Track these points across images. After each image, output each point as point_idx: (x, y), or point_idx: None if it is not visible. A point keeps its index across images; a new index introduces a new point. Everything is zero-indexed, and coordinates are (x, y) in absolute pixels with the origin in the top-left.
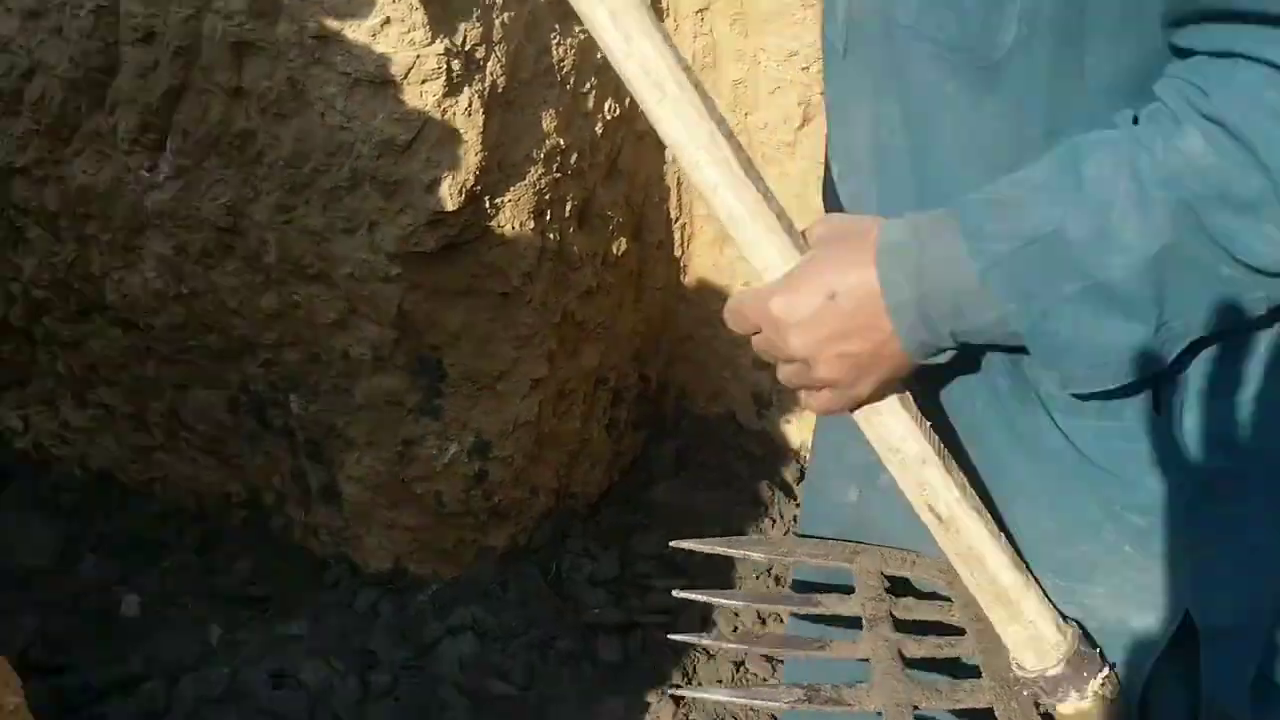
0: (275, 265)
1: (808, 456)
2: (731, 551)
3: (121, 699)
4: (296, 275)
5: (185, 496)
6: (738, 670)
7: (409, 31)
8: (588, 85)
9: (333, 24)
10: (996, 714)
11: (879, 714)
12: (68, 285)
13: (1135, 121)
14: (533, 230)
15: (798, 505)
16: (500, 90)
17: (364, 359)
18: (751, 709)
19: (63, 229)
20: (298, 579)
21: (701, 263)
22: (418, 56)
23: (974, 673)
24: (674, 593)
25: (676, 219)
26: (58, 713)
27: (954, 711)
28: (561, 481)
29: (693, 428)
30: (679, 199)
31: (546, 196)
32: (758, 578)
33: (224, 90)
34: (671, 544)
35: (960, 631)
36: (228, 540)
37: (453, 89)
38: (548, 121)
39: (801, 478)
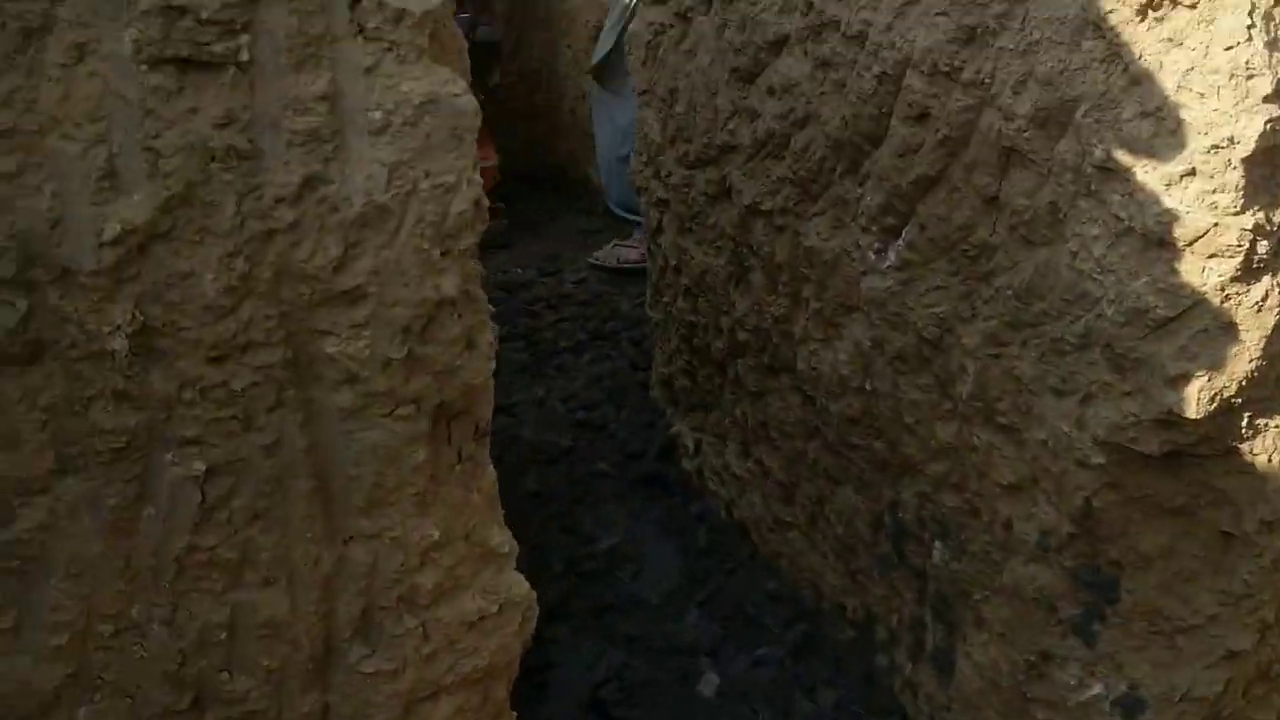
0: (966, 398)
1: None
2: None
3: None
4: (985, 418)
5: (805, 587)
6: None
7: (1215, 192)
8: None
9: (1124, 158)
10: None
11: None
12: (768, 338)
13: None
14: None
15: None
16: None
17: (1027, 540)
18: None
19: (781, 283)
20: None
21: None
22: (1215, 224)
23: None
24: None
25: None
26: None
27: None
28: None
29: None
30: None
31: None
32: None
33: (978, 195)
34: None
35: None
36: (824, 653)
37: (1248, 274)
38: None
39: None
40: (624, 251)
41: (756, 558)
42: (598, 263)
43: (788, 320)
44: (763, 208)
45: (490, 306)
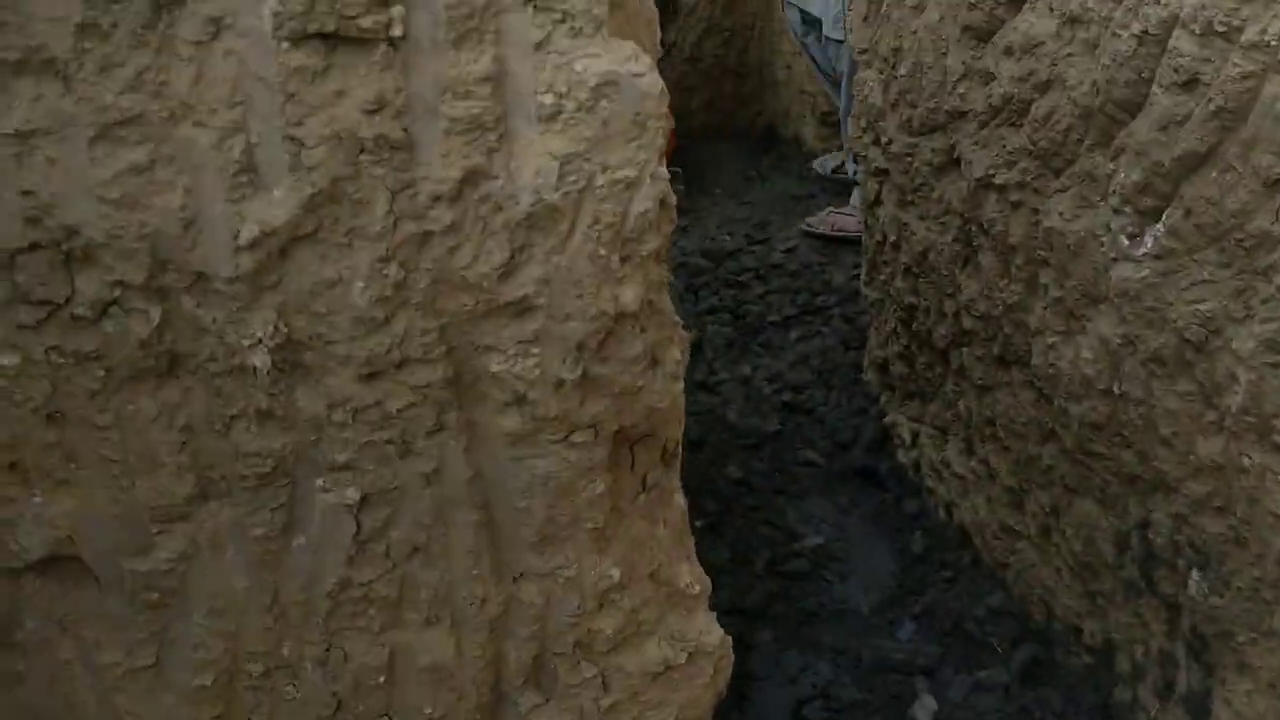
0: (1237, 412)
1: None
2: None
3: None
4: (1259, 435)
5: (1034, 604)
6: None
7: None
8: None
9: None
10: None
11: None
12: (998, 326)
13: None
14: None
15: None
16: None
17: None
18: None
19: (1015, 266)
20: None
21: None
22: None
23: None
24: None
25: None
26: None
27: None
28: None
29: None
30: None
31: None
32: None
33: (1257, 177)
34: None
35: None
36: (1055, 680)
37: None
38: None
39: None
40: (840, 219)
41: (980, 566)
42: (811, 229)
43: (1022, 309)
44: (996, 181)
45: (695, 278)
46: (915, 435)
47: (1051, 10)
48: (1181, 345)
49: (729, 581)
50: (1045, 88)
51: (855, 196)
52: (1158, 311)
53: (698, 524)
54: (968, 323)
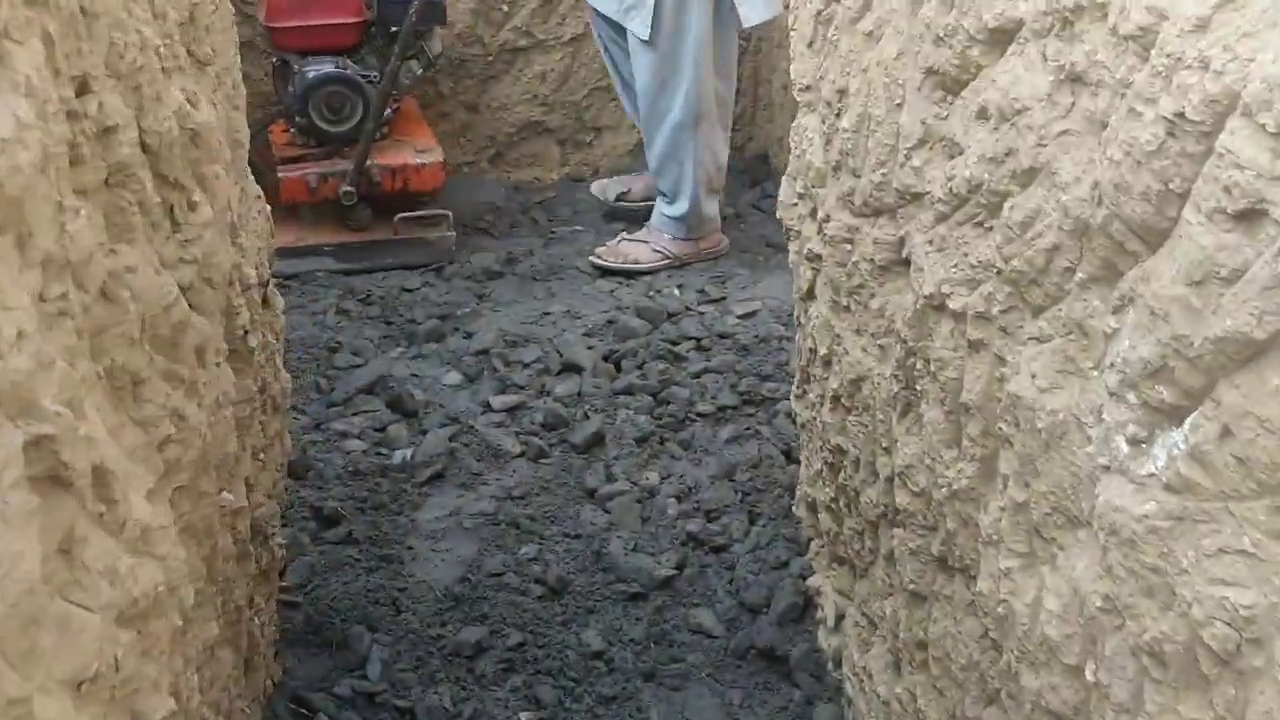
0: None
1: None
2: None
3: None
4: None
5: None
6: None
7: None
8: None
9: None
10: None
11: None
12: (939, 515)
13: None
14: None
15: None
16: None
17: None
18: None
19: (969, 438)
20: None
21: None
22: None
23: None
24: None
25: None
26: None
27: None
28: None
29: None
30: None
31: None
32: None
33: None
34: None
35: None
36: None
37: None
38: None
39: None
40: (632, 248)
41: None
42: (600, 262)
43: (972, 501)
44: (951, 305)
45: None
46: (841, 616)
47: (1045, 60)
48: (1197, 645)
49: None
50: (1027, 178)
51: (656, 218)
52: (1163, 578)
53: (526, 718)
54: (902, 498)
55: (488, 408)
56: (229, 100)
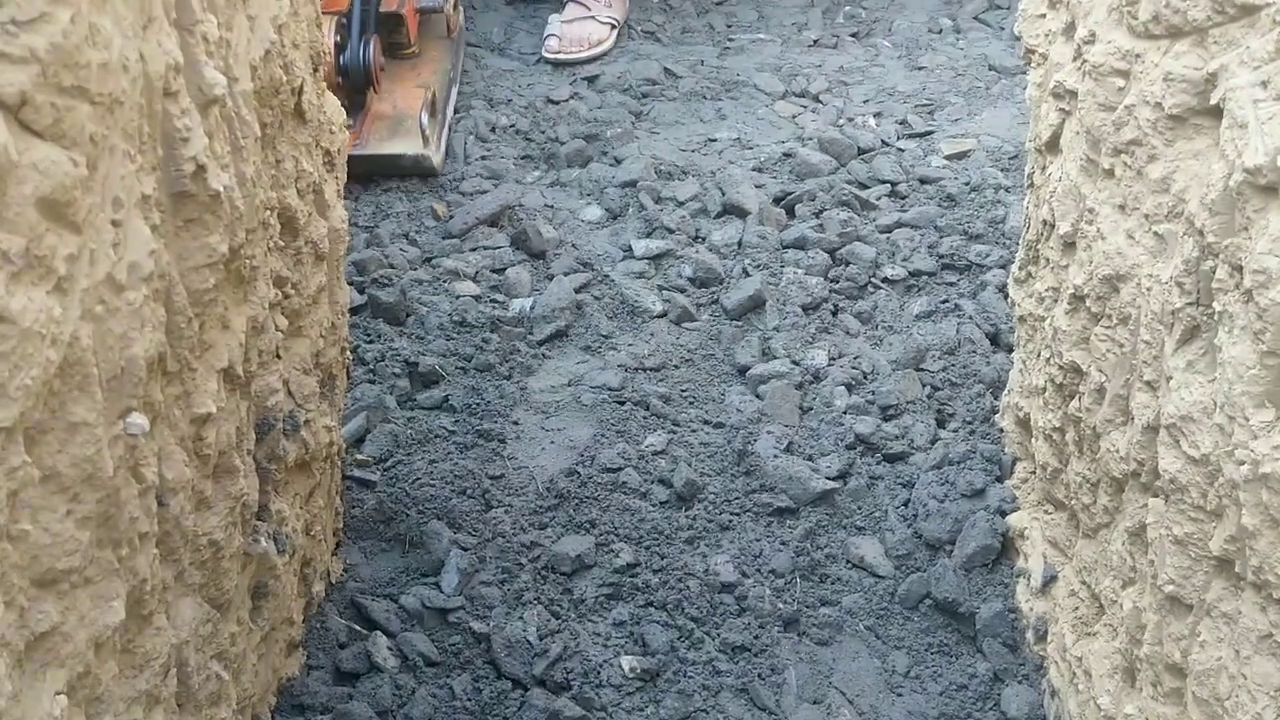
0: None
1: None
2: None
3: None
4: None
5: None
6: None
7: None
8: None
9: None
10: None
11: None
12: (1234, 500)
13: None
14: None
15: None
16: None
17: None
18: None
19: None
20: None
21: None
22: None
23: None
24: None
25: None
26: None
27: None
28: None
29: None
30: None
31: None
32: None
33: None
34: None
35: None
36: None
37: None
38: None
39: None
40: (582, 29)
41: None
42: (555, 58)
43: None
44: None
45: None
46: (1052, 578)
47: None
48: None
49: None
50: None
51: None
52: None
53: (629, 665)
54: (1171, 461)
55: (628, 253)
56: None
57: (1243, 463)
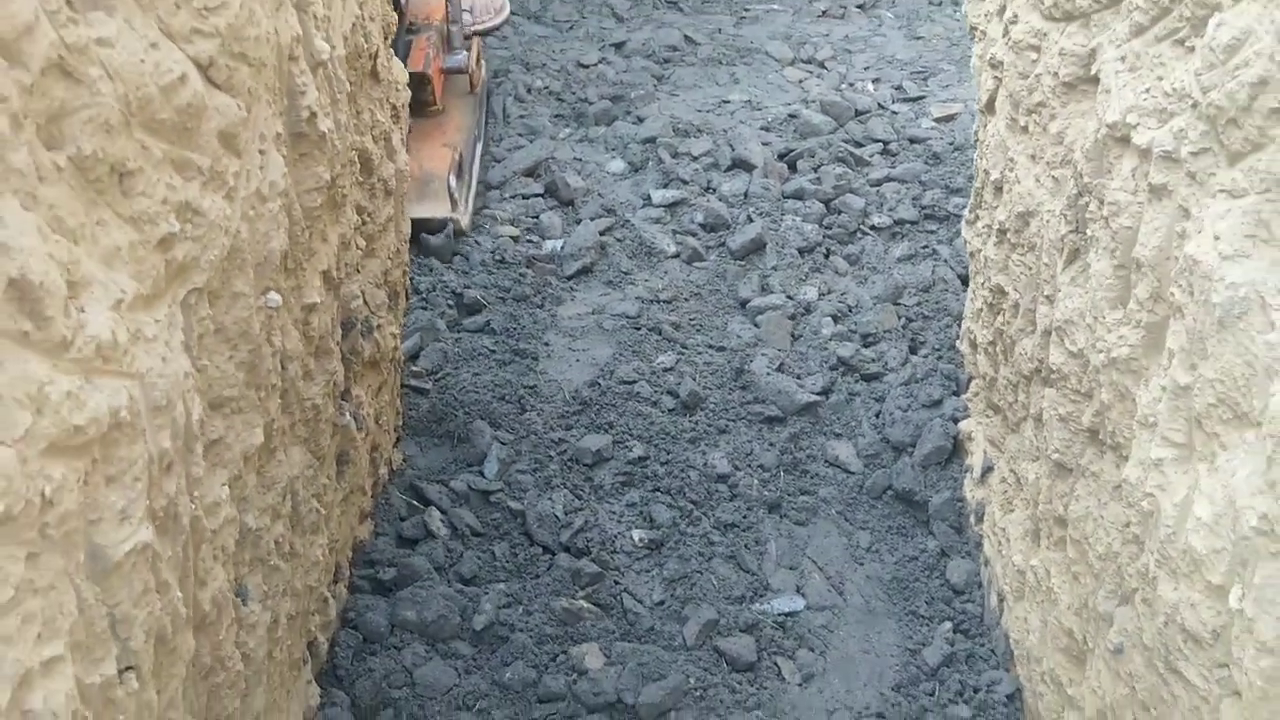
0: None
1: None
2: None
3: None
4: None
5: None
6: None
7: None
8: None
9: None
10: None
11: None
12: (1095, 383)
13: None
14: None
15: None
16: None
17: None
18: None
19: (1137, 301)
20: None
21: None
22: None
23: None
24: None
25: None
26: None
27: None
28: None
29: None
30: None
31: None
32: None
33: None
34: None
35: None
36: None
37: None
38: None
39: None
40: None
41: (1016, 705)
42: (477, 27)
43: (1132, 372)
44: (1136, 138)
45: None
46: (989, 469)
47: None
48: None
49: (630, 645)
50: None
51: None
52: None
53: (638, 536)
54: (1057, 356)
55: (647, 201)
56: None
57: (1101, 351)
